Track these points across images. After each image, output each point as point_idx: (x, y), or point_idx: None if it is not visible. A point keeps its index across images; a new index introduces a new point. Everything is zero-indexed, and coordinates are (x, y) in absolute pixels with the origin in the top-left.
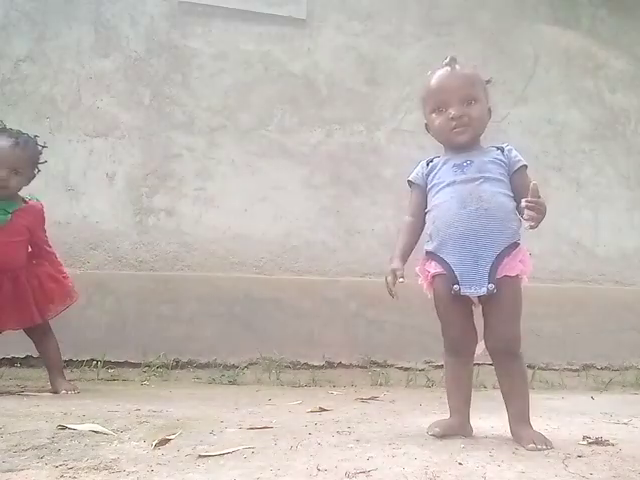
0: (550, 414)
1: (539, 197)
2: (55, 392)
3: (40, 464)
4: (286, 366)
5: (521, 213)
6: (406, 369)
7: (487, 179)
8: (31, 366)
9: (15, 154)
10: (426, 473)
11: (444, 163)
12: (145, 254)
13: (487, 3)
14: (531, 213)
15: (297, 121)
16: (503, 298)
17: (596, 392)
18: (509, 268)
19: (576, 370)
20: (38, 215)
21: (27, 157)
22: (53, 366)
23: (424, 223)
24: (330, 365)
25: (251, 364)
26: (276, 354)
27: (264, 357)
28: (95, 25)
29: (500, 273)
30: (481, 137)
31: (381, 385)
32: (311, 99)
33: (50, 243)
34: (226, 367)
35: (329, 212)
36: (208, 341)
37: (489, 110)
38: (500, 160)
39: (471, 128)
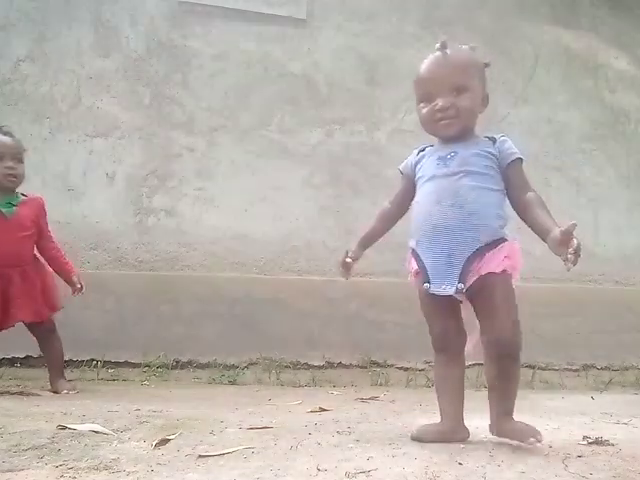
0: (550, 414)
1: (573, 240)
2: (55, 392)
3: (40, 464)
4: (286, 366)
5: (556, 253)
6: (406, 369)
7: (468, 173)
8: (31, 366)
9: (13, 143)
10: (426, 473)
11: (431, 155)
12: (145, 254)
13: (487, 3)
14: (570, 265)
15: (297, 121)
16: (490, 296)
17: (596, 392)
18: (493, 265)
19: (576, 370)
20: (40, 207)
21: (20, 145)
22: (55, 366)
23: (402, 213)
24: (330, 365)
25: (251, 364)
26: (276, 354)
27: (264, 357)
28: (95, 25)
29: (482, 270)
30: (476, 127)
31: (381, 385)
32: (311, 99)
33: (53, 238)
34: (226, 367)
35: (329, 212)
36: (208, 341)
37: (485, 97)
38: (488, 152)
39: (458, 120)
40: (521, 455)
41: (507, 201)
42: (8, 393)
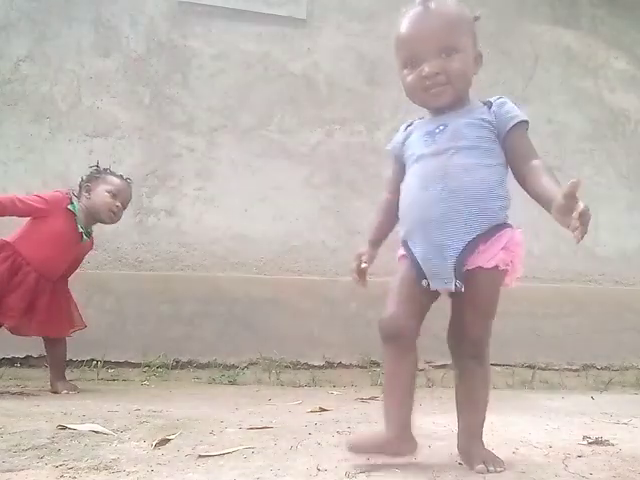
0: (550, 414)
1: (577, 203)
2: (55, 392)
3: (40, 464)
4: (286, 366)
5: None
6: None
7: (460, 149)
8: (31, 366)
9: (129, 192)
10: (426, 473)
11: (419, 129)
12: (145, 254)
13: (487, 3)
14: (578, 234)
15: (297, 121)
16: (473, 296)
17: (596, 392)
18: (484, 258)
19: (576, 370)
20: (90, 250)
21: (131, 196)
22: (57, 367)
23: None
24: (330, 365)
25: (251, 364)
26: (276, 354)
27: (264, 357)
28: (95, 25)
29: (472, 264)
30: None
31: (381, 385)
32: (311, 99)
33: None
34: (226, 367)
35: (329, 212)
36: (208, 341)
37: (478, 56)
38: (484, 120)
39: (450, 87)
40: (521, 455)
41: (509, 176)
42: (8, 393)
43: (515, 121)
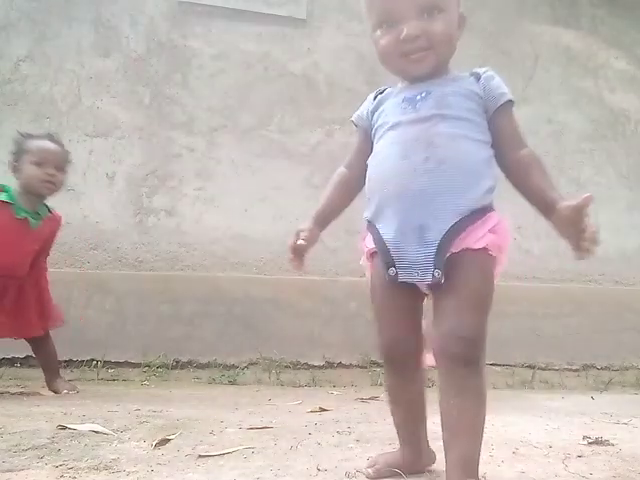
0: (550, 414)
1: (586, 221)
2: (55, 392)
3: (40, 464)
4: (286, 366)
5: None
6: None
7: (445, 118)
8: (31, 366)
9: (58, 152)
10: (426, 473)
11: (394, 96)
12: (145, 254)
13: (487, 3)
14: (584, 255)
15: (297, 121)
16: (459, 280)
17: (596, 392)
18: (472, 239)
19: (576, 370)
20: (57, 228)
21: (65, 155)
22: (50, 367)
23: (364, 178)
24: (330, 365)
25: (251, 364)
26: (276, 354)
27: (264, 357)
28: (95, 25)
29: (458, 246)
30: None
31: (381, 385)
32: (311, 99)
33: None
34: (226, 367)
35: None
36: (208, 341)
37: (461, 19)
38: (471, 92)
39: (433, 52)
40: (521, 455)
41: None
42: (8, 393)
43: (505, 98)
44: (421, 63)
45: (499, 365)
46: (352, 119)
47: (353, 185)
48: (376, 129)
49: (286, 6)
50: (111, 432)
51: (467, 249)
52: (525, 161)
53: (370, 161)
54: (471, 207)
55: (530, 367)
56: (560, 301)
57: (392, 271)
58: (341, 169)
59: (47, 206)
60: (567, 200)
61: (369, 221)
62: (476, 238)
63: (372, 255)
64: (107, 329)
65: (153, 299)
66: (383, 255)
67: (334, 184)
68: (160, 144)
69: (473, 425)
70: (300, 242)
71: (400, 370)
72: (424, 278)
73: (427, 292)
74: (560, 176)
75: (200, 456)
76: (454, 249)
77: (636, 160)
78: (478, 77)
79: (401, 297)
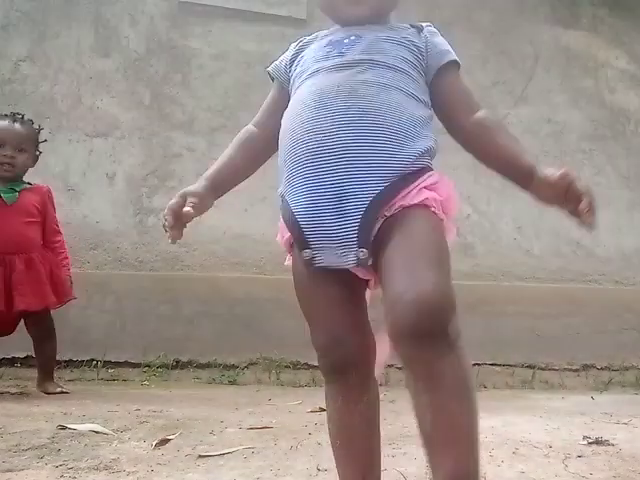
0: (550, 414)
1: (576, 184)
2: (45, 392)
3: (40, 464)
4: (286, 366)
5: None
6: None
7: (376, 65)
8: (31, 366)
9: (17, 132)
10: (426, 473)
11: (318, 40)
12: (145, 254)
13: (487, 3)
14: (590, 219)
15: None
16: (401, 234)
17: (596, 392)
18: (408, 198)
19: (576, 370)
20: (46, 196)
21: (27, 134)
22: (47, 368)
23: (275, 139)
24: None
25: (251, 364)
26: (276, 354)
27: (264, 357)
28: (95, 25)
29: (392, 208)
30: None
31: (381, 385)
32: None
33: (60, 229)
34: (226, 367)
35: None
36: (208, 341)
37: None
38: (411, 42)
39: None
40: (521, 455)
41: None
42: (8, 393)
43: (448, 59)
44: (359, 4)
45: (499, 365)
46: (268, 69)
47: (261, 146)
48: (293, 80)
49: (286, 6)
50: (111, 432)
51: (404, 207)
52: (485, 124)
53: (283, 117)
54: (403, 170)
55: (530, 367)
56: (560, 301)
57: (307, 253)
58: (248, 126)
59: (25, 182)
60: (546, 169)
61: (282, 196)
62: (412, 197)
63: (291, 243)
64: (107, 329)
65: (153, 299)
66: (295, 234)
67: (237, 143)
68: (160, 144)
69: (457, 428)
70: (187, 209)
71: (343, 382)
72: (346, 260)
73: (365, 276)
74: None
75: (200, 456)
76: (384, 214)
77: (636, 160)
78: (420, 29)
79: (332, 287)
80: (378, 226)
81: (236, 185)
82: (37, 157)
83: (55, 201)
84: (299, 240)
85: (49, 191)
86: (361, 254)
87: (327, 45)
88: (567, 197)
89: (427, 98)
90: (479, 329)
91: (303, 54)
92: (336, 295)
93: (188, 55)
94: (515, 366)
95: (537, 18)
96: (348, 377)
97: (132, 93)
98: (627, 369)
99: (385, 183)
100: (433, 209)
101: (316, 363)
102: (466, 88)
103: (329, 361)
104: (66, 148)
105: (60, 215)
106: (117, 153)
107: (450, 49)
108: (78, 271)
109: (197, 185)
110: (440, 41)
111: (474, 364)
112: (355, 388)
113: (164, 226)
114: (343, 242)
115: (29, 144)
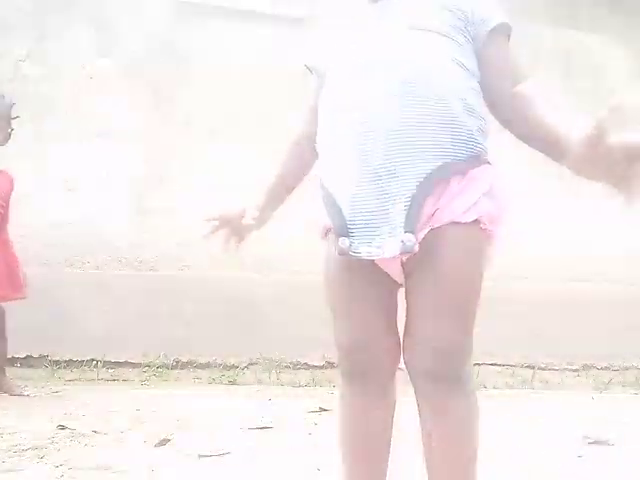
0: (550, 414)
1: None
2: (7, 393)
3: (40, 464)
4: (286, 366)
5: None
6: None
7: (422, 31)
8: (31, 366)
9: None
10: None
11: (343, 16)
12: (145, 254)
13: None
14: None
15: (297, 121)
16: (439, 267)
17: (596, 392)
18: (459, 206)
19: (576, 370)
20: (6, 184)
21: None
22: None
23: None
24: (330, 365)
25: (251, 364)
26: (276, 354)
27: (264, 357)
28: (95, 25)
29: (439, 216)
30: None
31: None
32: None
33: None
34: (226, 367)
35: None
36: (208, 341)
37: None
38: (458, 8)
39: None
40: (521, 455)
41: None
42: (8, 393)
43: (497, 22)
44: None
45: (499, 365)
46: (305, 64)
47: (312, 148)
48: (329, 61)
49: (286, 6)
50: (111, 432)
51: (452, 223)
52: (526, 96)
53: (320, 97)
54: (456, 149)
55: (530, 367)
56: (560, 301)
57: (344, 241)
58: (301, 128)
59: None
60: (587, 132)
61: (321, 180)
62: (466, 205)
63: (327, 232)
64: (107, 329)
65: (153, 299)
66: (335, 220)
67: (289, 152)
68: (160, 144)
69: (457, 461)
70: (249, 222)
71: (364, 386)
72: (387, 250)
73: (401, 280)
74: (560, 176)
75: (200, 456)
76: (434, 220)
77: None
78: None
79: (368, 285)
80: (425, 230)
81: (294, 188)
82: (9, 134)
83: (55, 201)
84: (339, 226)
85: (12, 181)
86: (408, 240)
87: (359, 14)
88: (624, 156)
89: (476, 67)
90: (479, 329)
91: (333, 32)
92: (371, 294)
93: (188, 55)
94: (515, 366)
95: (537, 18)
96: (368, 381)
97: (132, 93)
98: (627, 369)
99: (437, 162)
100: (484, 227)
101: (316, 363)
102: (510, 56)
103: (350, 364)
104: (66, 148)
105: (60, 215)
106: (117, 153)
107: (496, 8)
108: (78, 271)
109: (261, 200)
110: (485, 2)
111: (474, 364)
112: (373, 393)
113: (229, 238)
114: (387, 225)
115: (7, 117)
